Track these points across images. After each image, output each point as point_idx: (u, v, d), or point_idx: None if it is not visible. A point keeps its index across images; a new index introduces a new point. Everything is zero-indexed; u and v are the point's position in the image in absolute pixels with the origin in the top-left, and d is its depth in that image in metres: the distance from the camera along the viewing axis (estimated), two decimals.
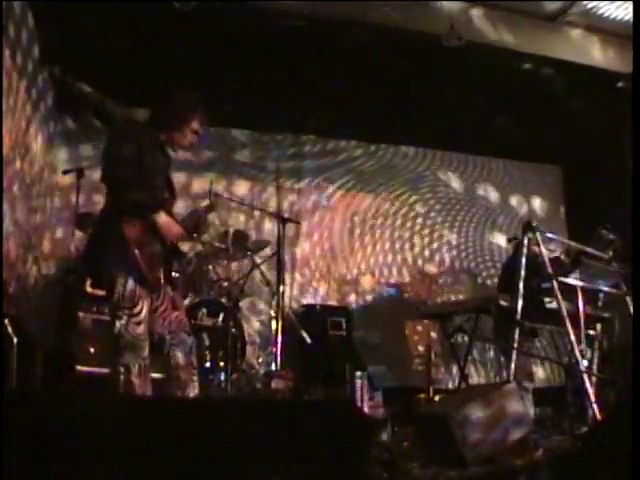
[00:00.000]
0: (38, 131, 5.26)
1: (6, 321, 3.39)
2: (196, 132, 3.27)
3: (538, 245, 4.19)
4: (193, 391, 3.09)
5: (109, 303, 3.04)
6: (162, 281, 3.09)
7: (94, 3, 4.74)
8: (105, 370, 4.32)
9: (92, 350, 4.44)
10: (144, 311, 2.96)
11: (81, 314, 4.54)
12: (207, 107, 3.31)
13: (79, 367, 4.32)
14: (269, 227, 6.34)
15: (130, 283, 2.92)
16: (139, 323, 2.94)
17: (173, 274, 3.40)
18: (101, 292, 4.53)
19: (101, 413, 1.84)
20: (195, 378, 3.13)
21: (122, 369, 2.88)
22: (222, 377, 4.63)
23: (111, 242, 2.92)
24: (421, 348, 6.68)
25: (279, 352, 4.53)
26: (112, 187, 3.02)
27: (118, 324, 2.92)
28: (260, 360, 5.64)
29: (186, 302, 4.79)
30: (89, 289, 4.55)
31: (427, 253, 7.29)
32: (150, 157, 3.06)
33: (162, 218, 3.03)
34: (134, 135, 3.07)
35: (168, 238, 3.09)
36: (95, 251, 3.03)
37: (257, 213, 6.33)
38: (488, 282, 7.19)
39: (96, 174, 5.78)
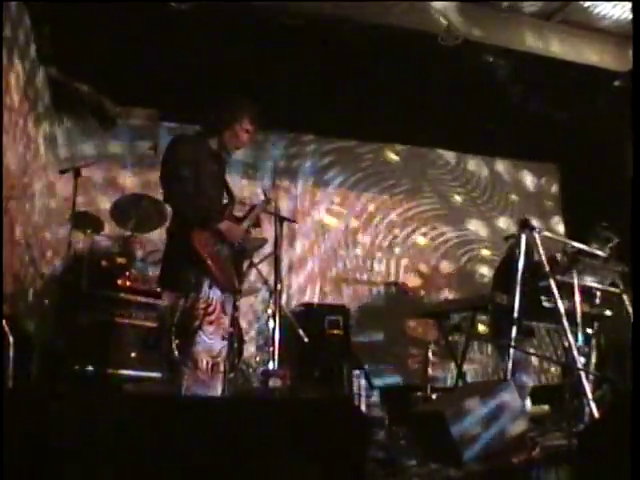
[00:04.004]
0: (35, 130, 5.24)
1: (3, 321, 3.39)
2: (248, 131, 3.40)
3: (535, 243, 4.18)
4: (218, 392, 3.24)
5: (185, 306, 3.22)
6: (236, 283, 3.37)
7: (91, 3, 4.73)
8: (103, 370, 4.36)
9: (89, 350, 4.43)
10: (217, 311, 3.16)
11: (79, 314, 4.53)
12: (258, 106, 3.45)
13: (76, 367, 4.31)
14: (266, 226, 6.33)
15: (205, 289, 3.13)
16: (211, 322, 3.12)
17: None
18: (103, 292, 4.61)
19: (100, 413, 1.84)
20: (220, 381, 3.27)
21: (190, 363, 3.06)
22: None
23: (184, 256, 3.12)
24: (418, 347, 6.68)
25: (277, 351, 4.52)
26: (175, 206, 3.26)
27: (195, 323, 3.11)
28: (258, 359, 5.64)
29: None
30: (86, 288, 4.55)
31: (426, 252, 7.31)
32: (206, 169, 3.25)
33: (225, 225, 3.26)
34: (187, 151, 3.23)
35: (234, 241, 3.32)
36: (171, 266, 3.24)
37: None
38: (485, 280, 7.19)
39: (94, 173, 5.95)
